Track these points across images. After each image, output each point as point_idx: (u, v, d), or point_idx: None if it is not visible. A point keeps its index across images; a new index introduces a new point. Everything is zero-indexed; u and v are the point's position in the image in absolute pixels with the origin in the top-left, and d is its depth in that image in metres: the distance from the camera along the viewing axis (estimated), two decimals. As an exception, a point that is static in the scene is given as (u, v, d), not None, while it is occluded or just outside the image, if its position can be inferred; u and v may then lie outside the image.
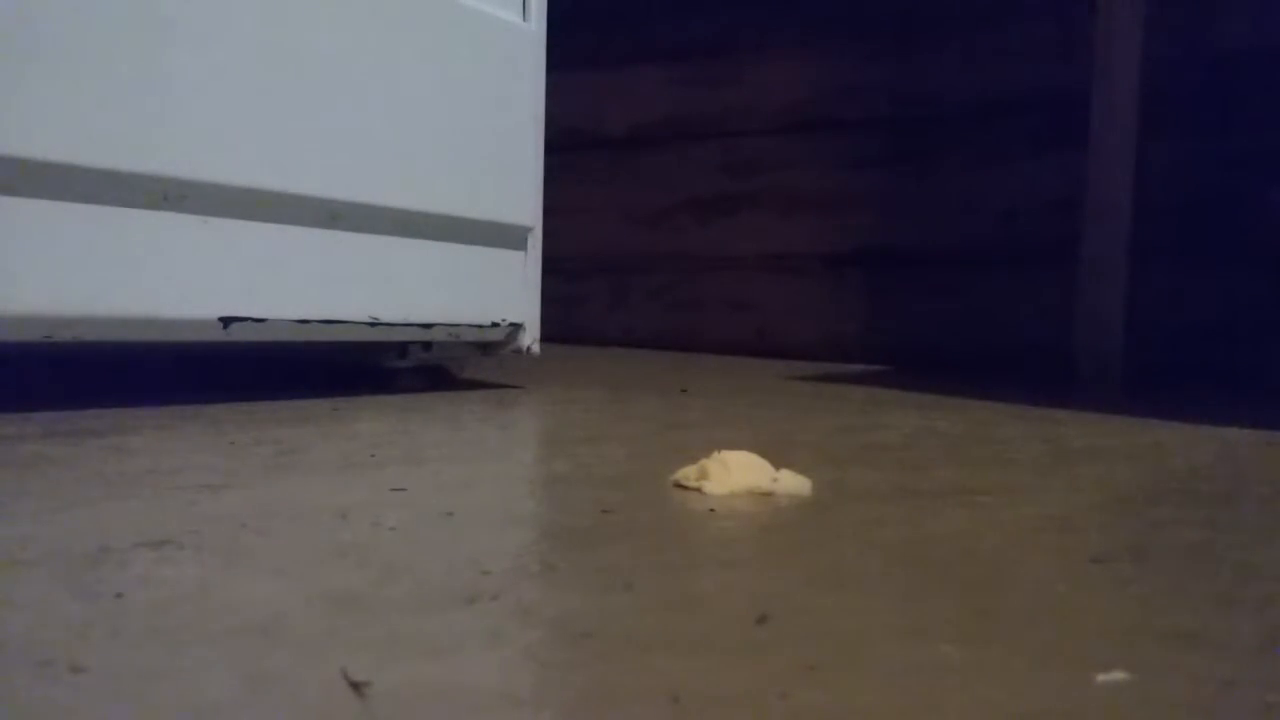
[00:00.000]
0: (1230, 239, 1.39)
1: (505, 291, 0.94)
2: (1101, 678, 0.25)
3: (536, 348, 0.98)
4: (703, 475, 0.48)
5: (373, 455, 0.55)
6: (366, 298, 0.81)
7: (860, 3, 1.65)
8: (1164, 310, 1.41)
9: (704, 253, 1.83)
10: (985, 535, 0.41)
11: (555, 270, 1.29)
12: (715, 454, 0.49)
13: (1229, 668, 0.26)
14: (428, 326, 0.87)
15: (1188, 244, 1.41)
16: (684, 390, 1.03)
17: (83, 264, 0.64)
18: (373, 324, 0.82)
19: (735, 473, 0.47)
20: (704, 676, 0.24)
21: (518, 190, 0.94)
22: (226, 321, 0.72)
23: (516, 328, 0.96)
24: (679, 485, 0.48)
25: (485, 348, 0.97)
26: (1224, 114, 1.38)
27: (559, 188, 1.19)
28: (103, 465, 0.49)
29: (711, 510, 0.44)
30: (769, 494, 0.47)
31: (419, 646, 0.26)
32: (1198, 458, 0.65)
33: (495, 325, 0.94)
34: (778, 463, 0.49)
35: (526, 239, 0.96)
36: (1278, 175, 1.36)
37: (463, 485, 0.48)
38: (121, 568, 0.32)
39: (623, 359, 1.55)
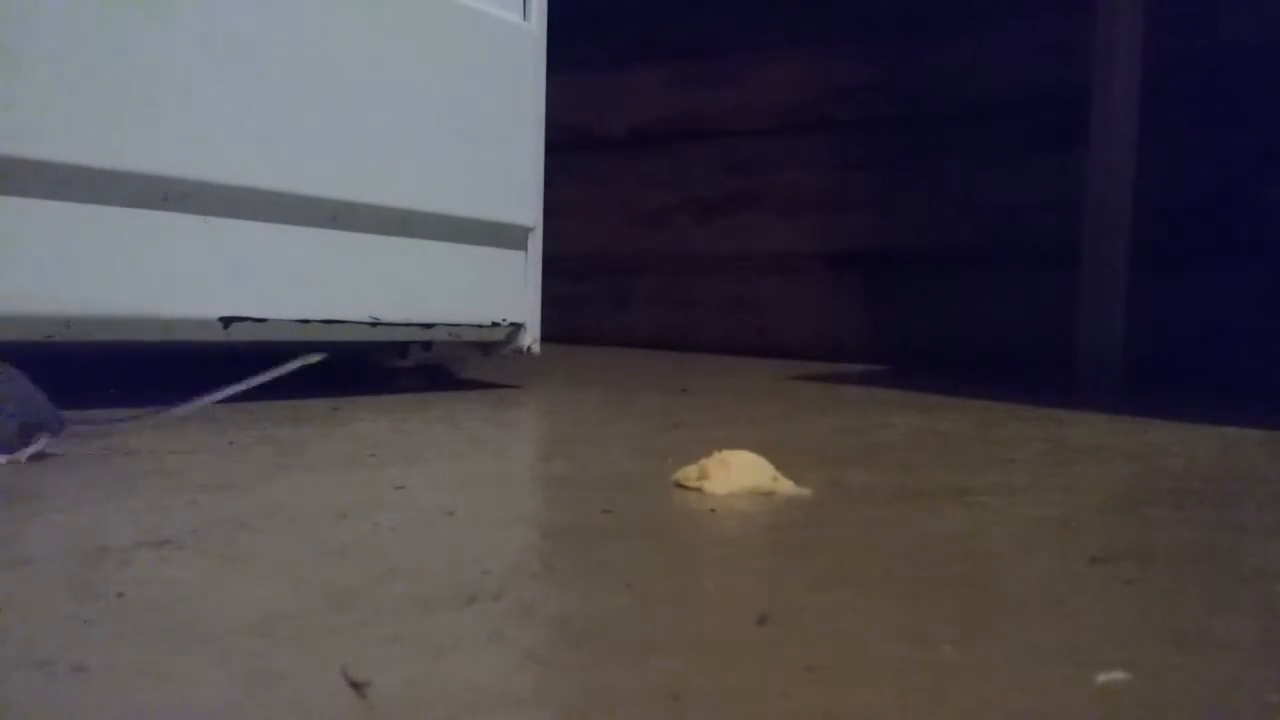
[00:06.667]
0: (1230, 239, 1.38)
1: (506, 291, 0.94)
2: (1101, 678, 0.25)
3: (537, 348, 0.98)
4: (703, 475, 0.48)
5: (373, 455, 0.55)
6: (367, 298, 0.81)
7: (860, 3, 1.65)
8: (1164, 310, 1.41)
9: (704, 253, 1.83)
10: (985, 535, 0.41)
11: (556, 270, 1.28)
12: (716, 454, 0.49)
13: (1229, 668, 0.26)
14: (428, 326, 0.87)
15: (1188, 244, 1.41)
16: (684, 390, 1.03)
17: (83, 264, 0.64)
18: (373, 324, 0.82)
19: (736, 473, 0.47)
20: (704, 676, 0.24)
21: (518, 190, 0.94)
22: (227, 321, 0.72)
23: (517, 328, 0.96)
24: (679, 485, 0.48)
25: (486, 348, 0.97)
26: (1224, 114, 1.38)
27: (559, 188, 1.19)
28: (103, 465, 0.49)
29: (712, 510, 0.44)
30: (769, 494, 0.47)
31: (419, 646, 0.26)
32: (1198, 458, 0.65)
33: (496, 325, 0.94)
34: (777, 464, 0.49)
35: (527, 239, 0.96)
36: (1278, 175, 1.36)
37: (463, 485, 0.48)
38: (122, 568, 0.32)
39: (623, 359, 1.55)
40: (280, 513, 0.40)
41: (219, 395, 0.59)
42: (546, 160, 0.98)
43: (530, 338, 0.97)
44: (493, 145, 0.91)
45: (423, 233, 0.86)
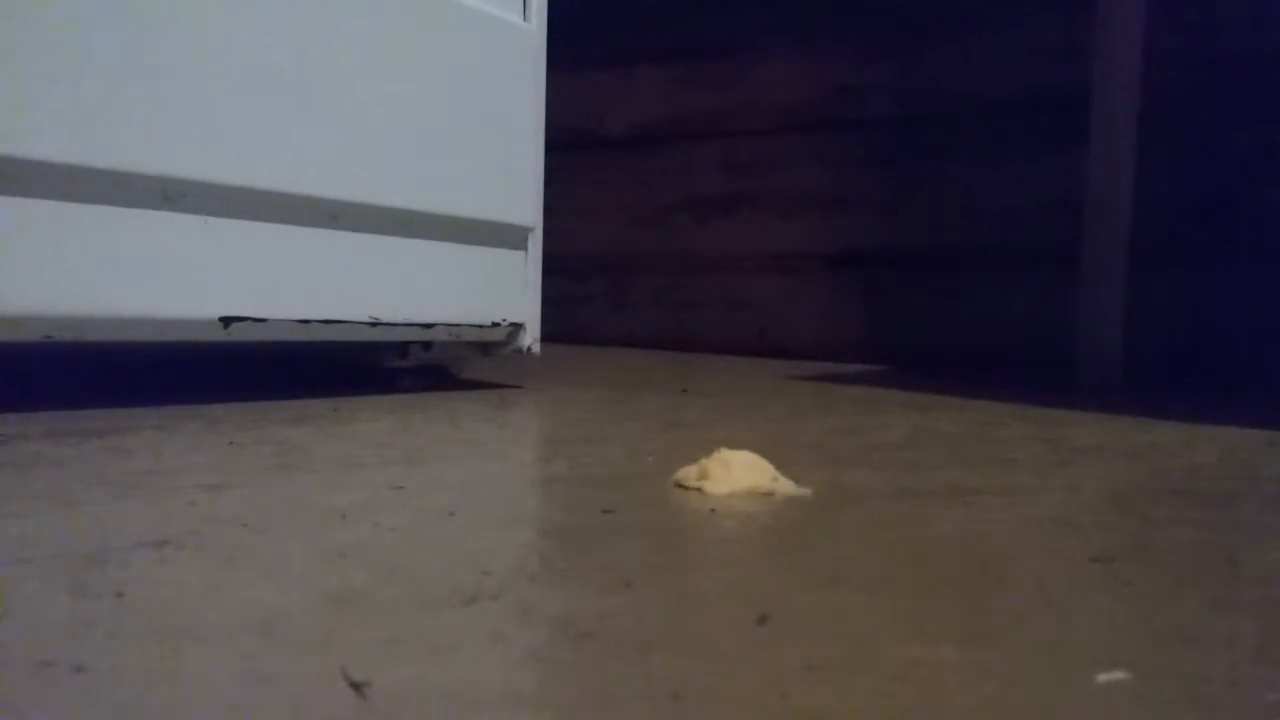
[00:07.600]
0: (1230, 239, 1.39)
1: (505, 291, 0.94)
2: (1101, 678, 0.25)
3: (537, 348, 0.98)
4: (703, 475, 0.48)
5: (373, 455, 0.55)
6: (367, 298, 0.81)
7: (861, 3, 1.65)
8: (1164, 310, 1.41)
9: (704, 253, 1.83)
10: (985, 535, 0.41)
11: (555, 270, 1.29)
12: (716, 454, 0.49)
13: (1229, 668, 0.26)
14: (428, 326, 0.87)
15: (1188, 244, 1.41)
16: (684, 390, 1.03)
17: (83, 264, 0.64)
18: (373, 324, 0.82)
19: (736, 473, 0.47)
20: (704, 676, 0.24)
21: (518, 190, 0.94)
22: (227, 321, 0.72)
23: (517, 328, 0.96)
24: (679, 485, 0.48)
25: (485, 348, 0.97)
26: (1224, 113, 1.38)
27: (559, 188, 1.19)
28: (103, 465, 0.49)
29: (712, 510, 0.44)
30: (770, 494, 0.47)
31: (419, 646, 0.26)
32: (1198, 458, 0.65)
33: (496, 325, 0.94)
34: (777, 464, 0.49)
35: (527, 239, 0.96)
36: (1278, 175, 1.36)
37: (463, 485, 0.48)
38: (122, 568, 0.32)
39: (623, 359, 1.55)
40: (280, 513, 0.40)
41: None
42: (546, 160, 0.98)
43: (530, 338, 0.97)
44: (493, 145, 0.91)
45: (422, 233, 0.86)
